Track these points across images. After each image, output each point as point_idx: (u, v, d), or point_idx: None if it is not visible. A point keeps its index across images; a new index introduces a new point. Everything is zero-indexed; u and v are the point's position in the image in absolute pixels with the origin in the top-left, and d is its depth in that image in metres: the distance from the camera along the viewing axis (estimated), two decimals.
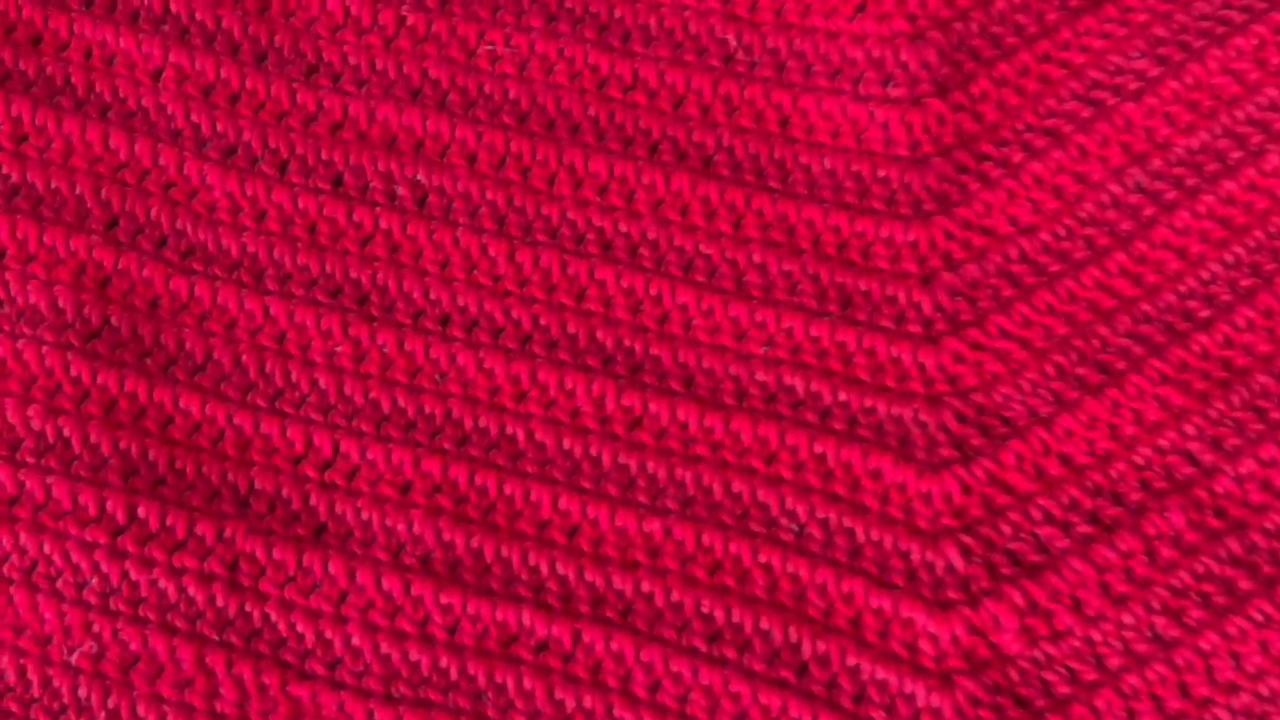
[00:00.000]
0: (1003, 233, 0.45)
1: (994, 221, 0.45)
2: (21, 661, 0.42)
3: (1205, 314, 0.44)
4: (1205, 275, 0.44)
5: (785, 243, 0.45)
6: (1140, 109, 0.46)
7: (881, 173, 0.46)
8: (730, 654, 0.41)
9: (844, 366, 0.44)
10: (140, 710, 0.41)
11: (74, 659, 0.41)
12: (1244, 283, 0.44)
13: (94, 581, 0.42)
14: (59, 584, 0.42)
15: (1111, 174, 0.45)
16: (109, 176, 0.46)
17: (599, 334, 0.45)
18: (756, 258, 0.45)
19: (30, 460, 0.43)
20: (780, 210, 0.46)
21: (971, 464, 0.43)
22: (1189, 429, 0.42)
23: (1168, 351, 0.44)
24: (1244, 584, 0.41)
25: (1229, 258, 0.44)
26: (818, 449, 0.43)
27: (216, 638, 0.42)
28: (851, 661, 0.41)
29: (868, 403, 0.44)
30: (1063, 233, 0.45)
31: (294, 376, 0.44)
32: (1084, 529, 0.42)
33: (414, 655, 0.41)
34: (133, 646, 0.41)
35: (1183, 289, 0.44)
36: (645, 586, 0.42)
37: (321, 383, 0.44)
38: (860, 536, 0.42)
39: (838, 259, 0.45)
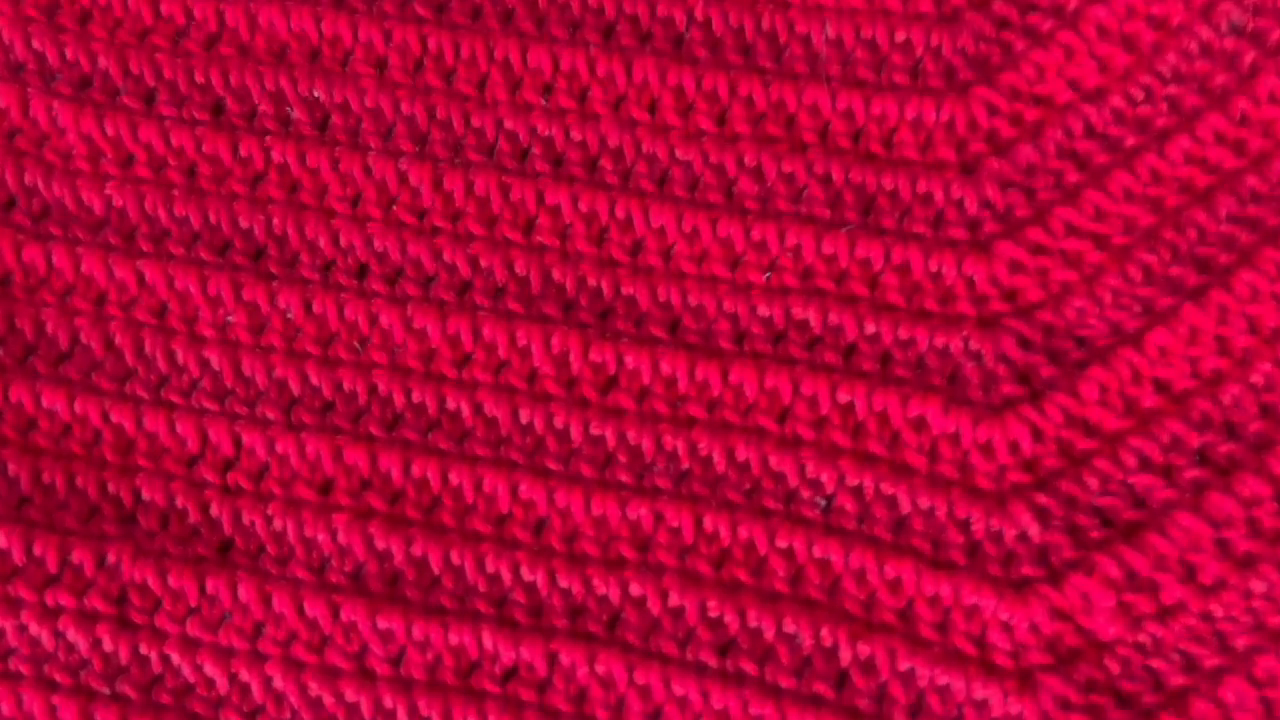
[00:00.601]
0: (1061, 101, 0.35)
1: (1049, 87, 0.35)
2: None
3: None
4: None
5: (784, 137, 0.36)
6: None
7: (901, 36, 0.36)
8: (749, 668, 0.32)
9: (870, 290, 0.35)
10: None
11: None
12: None
13: None
14: None
15: (1197, 14, 0.35)
16: None
17: (555, 273, 0.35)
18: (748, 159, 0.35)
19: None
20: (775, 95, 0.36)
21: (1042, 401, 0.33)
22: None
23: None
24: None
25: None
26: (843, 398, 0.34)
27: (107, 690, 0.33)
28: (904, 665, 0.32)
29: (903, 333, 0.34)
30: (1139, 95, 0.35)
31: (180, 357, 0.36)
32: (1192, 473, 0.33)
33: (350, 695, 0.33)
34: (2, 710, 0.34)
35: None
36: (635, 589, 0.33)
37: (214, 362, 0.35)
38: (905, 505, 0.33)
39: (853, 152, 0.35)
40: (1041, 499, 0.33)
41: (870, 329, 0.34)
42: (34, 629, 0.34)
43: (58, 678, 0.34)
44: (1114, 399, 0.33)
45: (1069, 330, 0.34)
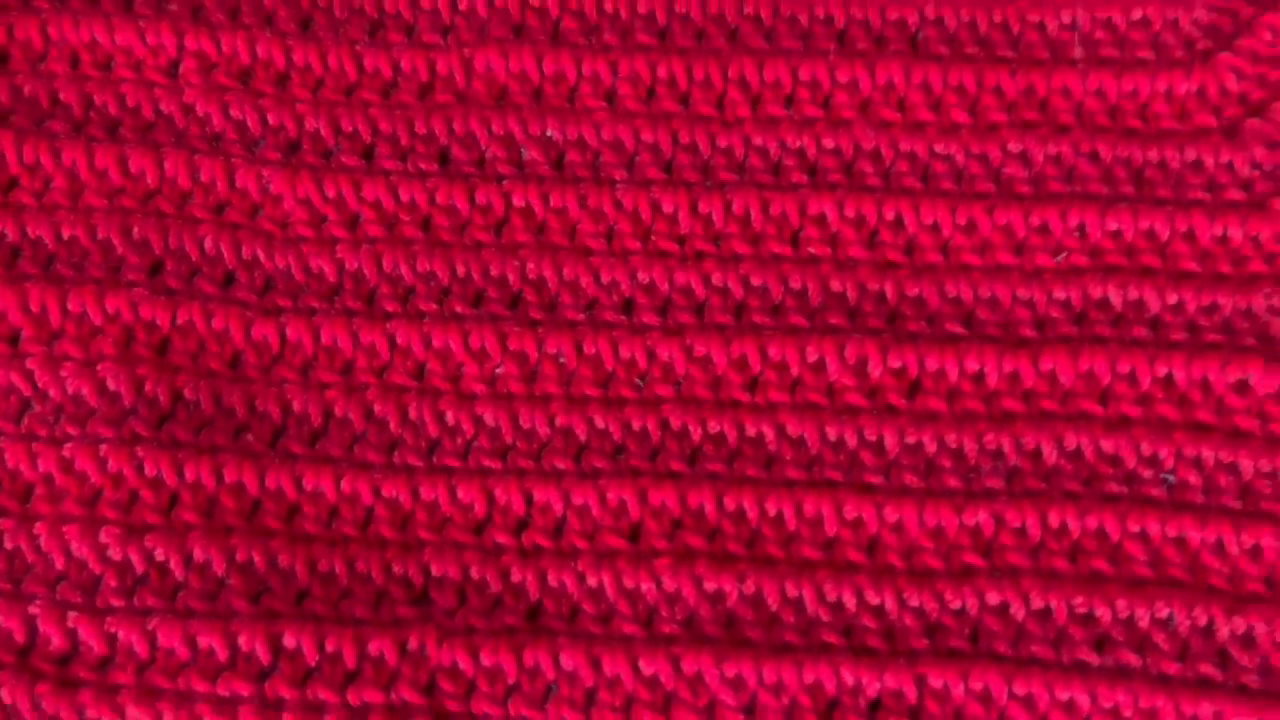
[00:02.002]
0: None
1: None
2: None
3: None
4: None
5: (1041, 121, 0.35)
6: None
7: (1137, 14, 0.36)
8: (1129, 660, 0.31)
9: (1162, 260, 0.34)
10: None
11: None
12: None
13: None
14: None
15: None
16: (138, 210, 0.35)
17: (833, 283, 0.34)
18: (1012, 145, 0.35)
19: (118, 604, 0.31)
20: (1024, 83, 0.35)
21: None
22: None
23: None
24: None
25: None
26: (1160, 371, 0.33)
27: None
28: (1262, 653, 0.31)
29: (1205, 299, 0.34)
30: None
31: (450, 418, 0.33)
32: None
33: None
34: None
35: None
36: (993, 598, 0.31)
37: (489, 418, 0.33)
38: (1247, 470, 0.32)
39: (1114, 129, 0.35)
40: None
41: (1172, 299, 0.33)
42: None
43: None
44: None
45: None
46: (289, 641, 0.31)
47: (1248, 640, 0.31)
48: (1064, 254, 0.34)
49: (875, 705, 0.31)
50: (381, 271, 0.34)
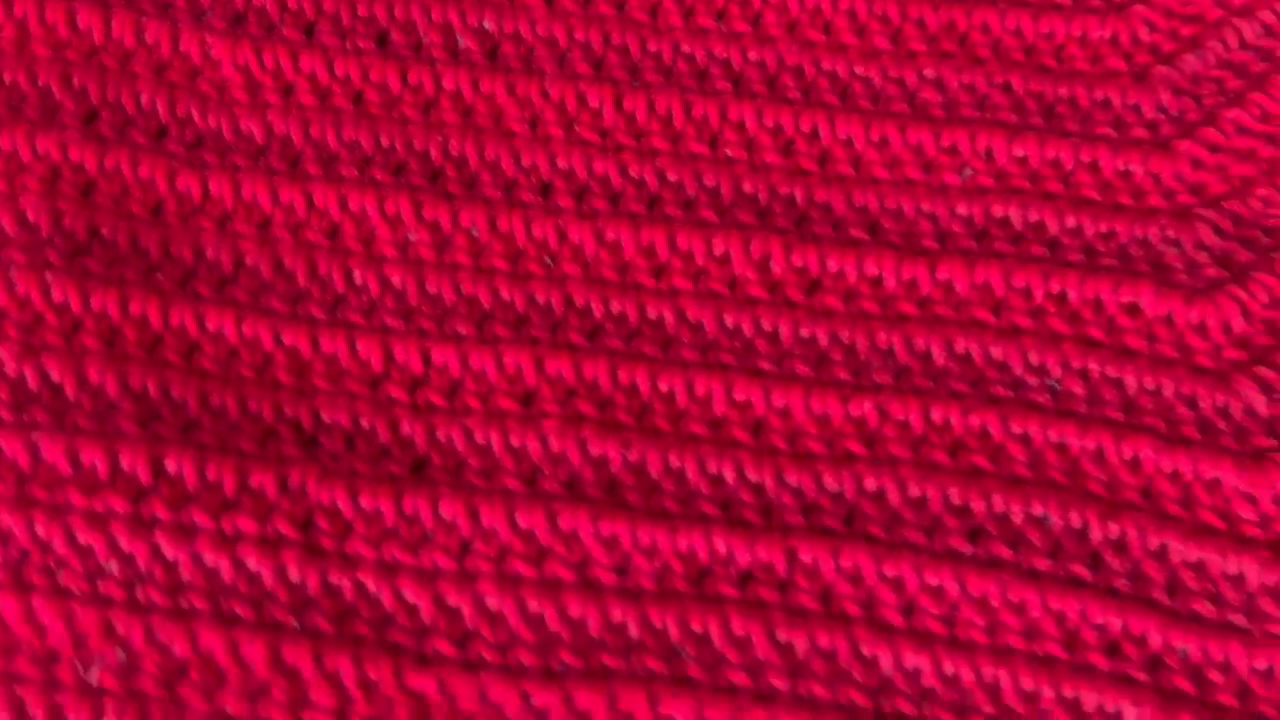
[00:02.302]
0: (1213, 18, 0.37)
1: (1200, 7, 0.37)
2: (17, 694, 0.29)
3: None
4: None
5: (959, 52, 0.37)
6: None
7: None
8: (1002, 553, 0.31)
9: (1065, 187, 0.35)
10: None
11: (93, 678, 0.29)
12: None
13: (113, 567, 0.30)
14: (61, 577, 0.30)
15: None
16: (80, 62, 0.36)
17: (745, 184, 0.35)
18: (929, 72, 0.36)
19: (7, 416, 0.31)
20: (945, 17, 0.37)
21: (1247, 282, 0.34)
22: None
23: None
24: None
25: None
26: (1054, 287, 0.34)
27: (296, 623, 0.30)
28: (1155, 542, 0.31)
29: (1103, 226, 0.35)
30: None
31: (358, 277, 0.34)
32: None
33: (575, 610, 0.30)
34: (176, 650, 0.29)
35: None
36: (870, 483, 0.31)
37: (397, 281, 0.34)
38: (1131, 386, 0.33)
39: (1028, 64, 0.36)
40: (1264, 373, 0.33)
41: (1071, 223, 0.34)
42: (211, 559, 0.30)
43: (239, 611, 0.30)
44: None
45: (1256, 220, 0.35)
46: (170, 465, 0.31)
47: (1120, 546, 0.31)
48: (969, 172, 0.35)
49: (746, 577, 0.31)
50: (308, 137, 0.35)
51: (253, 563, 0.30)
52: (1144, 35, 0.37)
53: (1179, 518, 0.31)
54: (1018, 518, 0.31)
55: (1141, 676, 0.30)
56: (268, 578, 0.30)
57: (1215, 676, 0.30)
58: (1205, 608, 0.31)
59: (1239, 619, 0.31)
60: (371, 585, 0.30)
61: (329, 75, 0.36)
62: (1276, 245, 0.34)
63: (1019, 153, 0.35)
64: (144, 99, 0.36)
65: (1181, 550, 0.31)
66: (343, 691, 0.29)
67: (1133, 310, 0.34)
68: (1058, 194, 0.35)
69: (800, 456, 0.32)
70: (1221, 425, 0.32)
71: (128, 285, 0.33)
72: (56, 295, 0.32)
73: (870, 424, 0.32)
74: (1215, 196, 0.35)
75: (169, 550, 0.30)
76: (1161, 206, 0.35)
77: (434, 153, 0.35)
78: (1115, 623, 0.30)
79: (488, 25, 0.37)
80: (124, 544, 0.30)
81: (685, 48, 0.37)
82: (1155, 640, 0.30)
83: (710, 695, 0.29)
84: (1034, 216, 0.34)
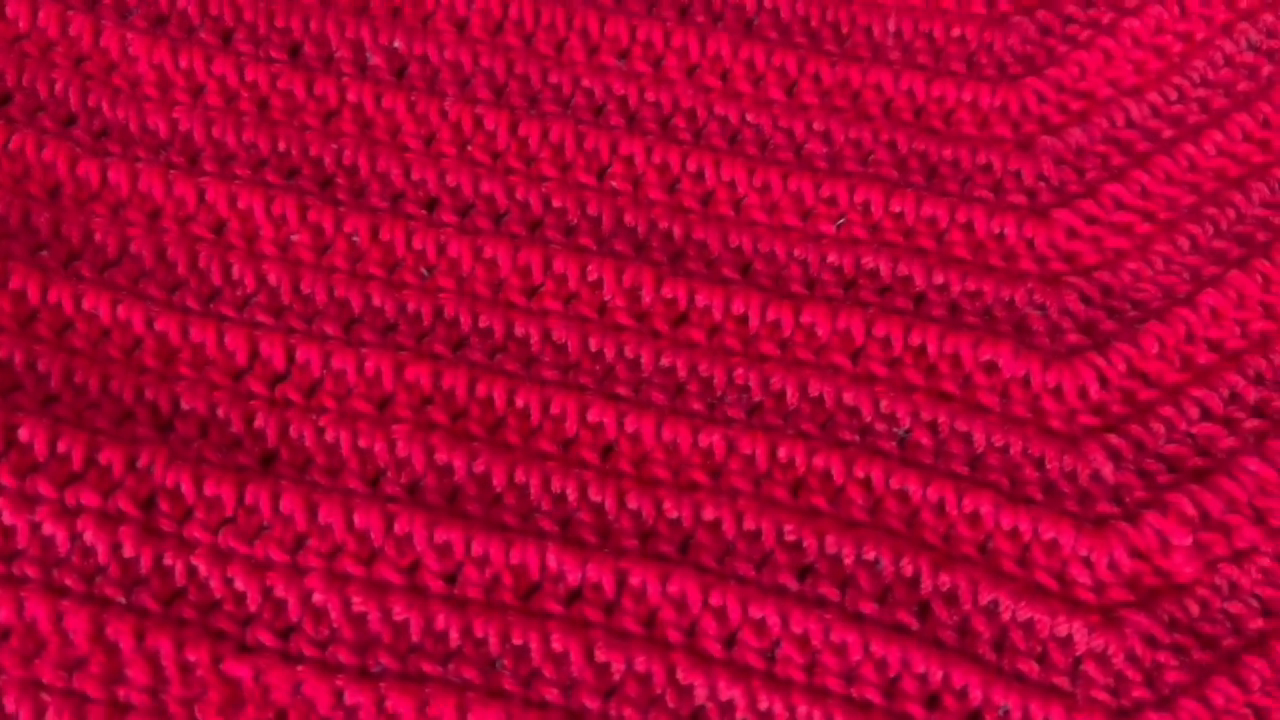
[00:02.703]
0: (1103, 96, 0.38)
1: (1091, 84, 0.38)
2: None
3: None
4: None
5: (850, 108, 0.38)
6: None
7: (956, 32, 0.39)
8: (829, 593, 0.31)
9: (937, 244, 0.36)
10: (8, 704, 0.29)
11: None
12: None
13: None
14: None
15: (1219, 30, 0.39)
16: (1, 48, 0.37)
17: (627, 216, 0.36)
18: (817, 125, 0.37)
19: None
20: (840, 75, 0.38)
21: (1107, 351, 0.34)
22: None
23: None
24: None
25: None
26: (915, 340, 0.34)
27: (123, 599, 0.30)
28: (986, 597, 0.31)
29: (970, 284, 0.35)
30: (1173, 95, 0.38)
31: (236, 272, 0.34)
32: (1252, 424, 0.33)
33: (399, 613, 0.30)
34: (1, 616, 0.30)
35: None
36: (709, 513, 0.32)
37: (272, 278, 0.34)
38: (980, 443, 0.33)
39: (916, 125, 0.37)
40: (1113, 441, 0.33)
41: (939, 279, 0.35)
42: (49, 528, 0.31)
43: (69, 583, 0.30)
44: (1172, 354, 0.34)
45: (1125, 292, 0.35)
46: (23, 434, 0.31)
47: (950, 598, 0.31)
48: (843, 220, 0.36)
49: (575, 595, 0.31)
50: (209, 136, 0.36)
51: (89, 536, 0.31)
52: (1034, 106, 0.38)
53: (1013, 575, 0.31)
54: (849, 559, 0.31)
55: None
56: (102, 552, 0.31)
57: None
58: (1030, 667, 0.31)
59: (1063, 681, 0.30)
60: (203, 569, 0.31)
61: (238, 79, 0.37)
62: (1143, 317, 0.35)
63: (896, 208, 0.36)
64: (58, 87, 0.37)
65: (1012, 608, 0.31)
66: (159, 671, 0.30)
67: (990, 368, 0.34)
68: (929, 250, 0.35)
69: (644, 481, 0.32)
70: (1066, 489, 0.32)
71: (10, 259, 0.34)
72: None
73: (717, 456, 0.33)
74: (1087, 266, 0.35)
75: (8, 516, 0.31)
76: (1032, 271, 0.35)
77: (328, 160, 0.36)
78: (937, 673, 0.30)
79: (398, 45, 0.38)
80: None
81: (585, 82, 0.38)
82: (976, 695, 0.30)
83: (520, 709, 0.29)
84: (903, 270, 0.35)
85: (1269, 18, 0.39)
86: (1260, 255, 0.35)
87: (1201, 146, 0.37)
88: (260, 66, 0.37)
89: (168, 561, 0.31)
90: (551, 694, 0.30)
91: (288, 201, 0.35)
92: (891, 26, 0.38)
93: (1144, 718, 0.29)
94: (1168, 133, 0.37)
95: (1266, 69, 0.38)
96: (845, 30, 0.39)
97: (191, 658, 0.30)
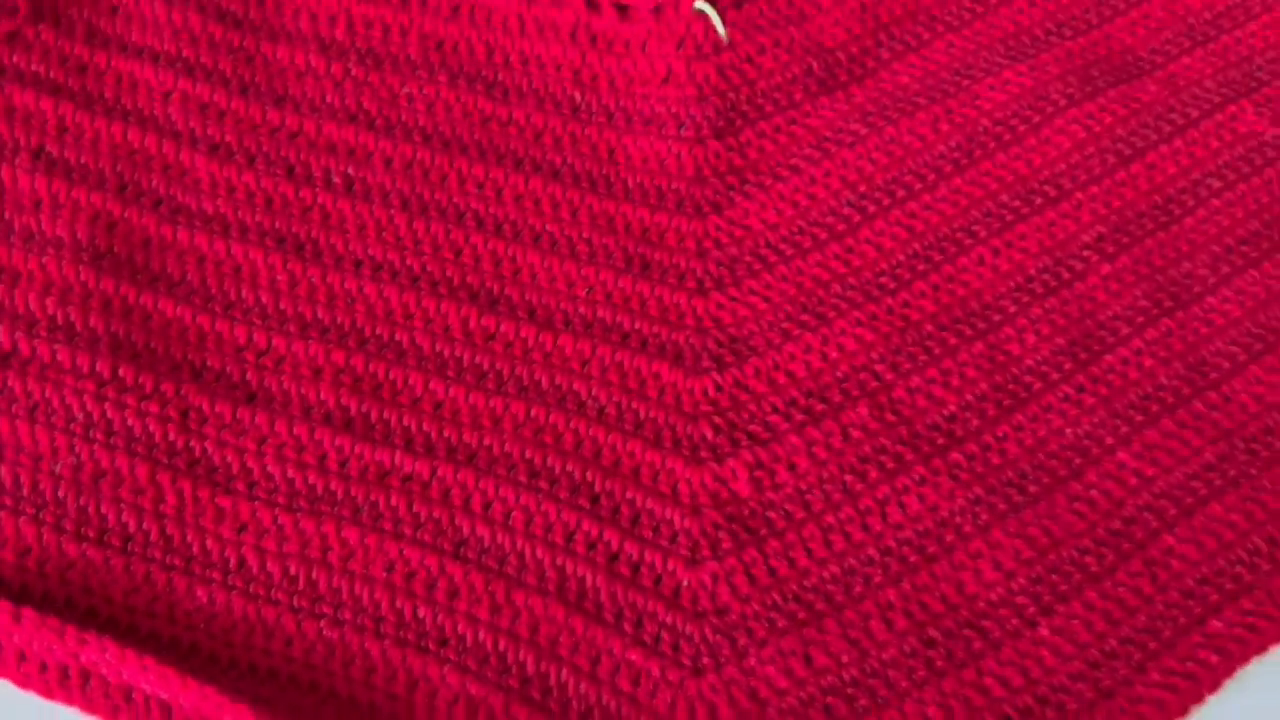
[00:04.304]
0: (756, 228, 0.64)
1: (750, 221, 0.64)
2: (18, 472, 0.56)
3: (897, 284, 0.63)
4: (900, 257, 0.63)
5: (606, 227, 0.64)
6: (853, 154, 0.66)
7: (675, 185, 0.65)
8: (544, 486, 0.56)
9: (641, 307, 0.62)
10: (104, 509, 0.55)
11: (58, 470, 0.56)
12: (920, 267, 0.63)
13: (79, 417, 0.57)
14: (53, 419, 0.57)
15: (831, 195, 0.65)
16: (125, 158, 0.64)
17: (469, 278, 0.62)
18: (584, 232, 0.63)
19: (44, 334, 0.58)
20: (604, 206, 0.64)
21: (723, 373, 0.60)
22: (875, 355, 0.60)
23: (877, 302, 0.62)
24: (909, 455, 0.58)
25: (913, 248, 0.64)
26: (618, 358, 0.60)
27: (166, 461, 0.56)
28: (630, 494, 0.57)
29: (657, 330, 0.61)
30: (797, 229, 0.64)
31: (241, 293, 0.61)
32: (799, 417, 0.59)
33: (312, 479, 0.56)
34: (103, 463, 0.56)
35: (883, 265, 0.63)
36: (488, 440, 0.57)
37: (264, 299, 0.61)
38: (644, 416, 0.59)
39: (641, 238, 0.64)
40: (717, 420, 0.58)
41: (638, 326, 0.61)
42: (130, 422, 0.57)
43: (139, 450, 0.56)
44: (764, 378, 0.60)
45: (746, 340, 0.61)
46: None
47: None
48: (590, 290, 0.62)
49: None
50: None
51: (152, 427, 0.57)
52: (712, 232, 0.64)
53: (648, 485, 0.57)
54: (557, 470, 0.57)
55: None
56: (158, 437, 0.57)
57: None
58: (648, 533, 0.56)
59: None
60: (210, 450, 0.57)
61: (256, 185, 0.64)
62: (750, 354, 0.61)
63: (621, 284, 0.62)
64: (151, 182, 0.64)
65: (643, 501, 0.57)
66: (181, 499, 0.55)
67: (656, 376, 0.60)
68: (636, 310, 0.62)
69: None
70: (685, 443, 0.58)
71: (120, 279, 0.60)
72: (83, 277, 0.60)
73: (497, 412, 0.59)
74: (727, 324, 0.61)
75: (110, 414, 0.57)
76: (692, 325, 0.61)
77: (301, 234, 0.63)
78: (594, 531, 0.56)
79: (350, 171, 0.65)
80: (88, 407, 0.57)
81: (454, 200, 0.64)
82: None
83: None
84: (618, 319, 0.61)
85: (864, 189, 0.65)
86: (828, 323, 0.61)
87: (808, 260, 0.63)
88: (269, 179, 0.64)
89: (192, 444, 0.57)
90: None
91: (259, 255, 0.62)
92: (638, 179, 0.65)
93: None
94: (790, 251, 0.64)
95: (856, 218, 0.65)
96: (613, 180, 0.65)
97: (200, 494, 0.56)
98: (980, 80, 0.68)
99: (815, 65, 0.68)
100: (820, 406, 0.59)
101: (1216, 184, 0.66)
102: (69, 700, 0.52)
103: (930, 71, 0.69)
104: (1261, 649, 0.55)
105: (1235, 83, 0.69)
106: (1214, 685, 0.54)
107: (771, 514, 0.57)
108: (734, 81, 0.68)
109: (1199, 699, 0.54)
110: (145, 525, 0.55)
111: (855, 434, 0.59)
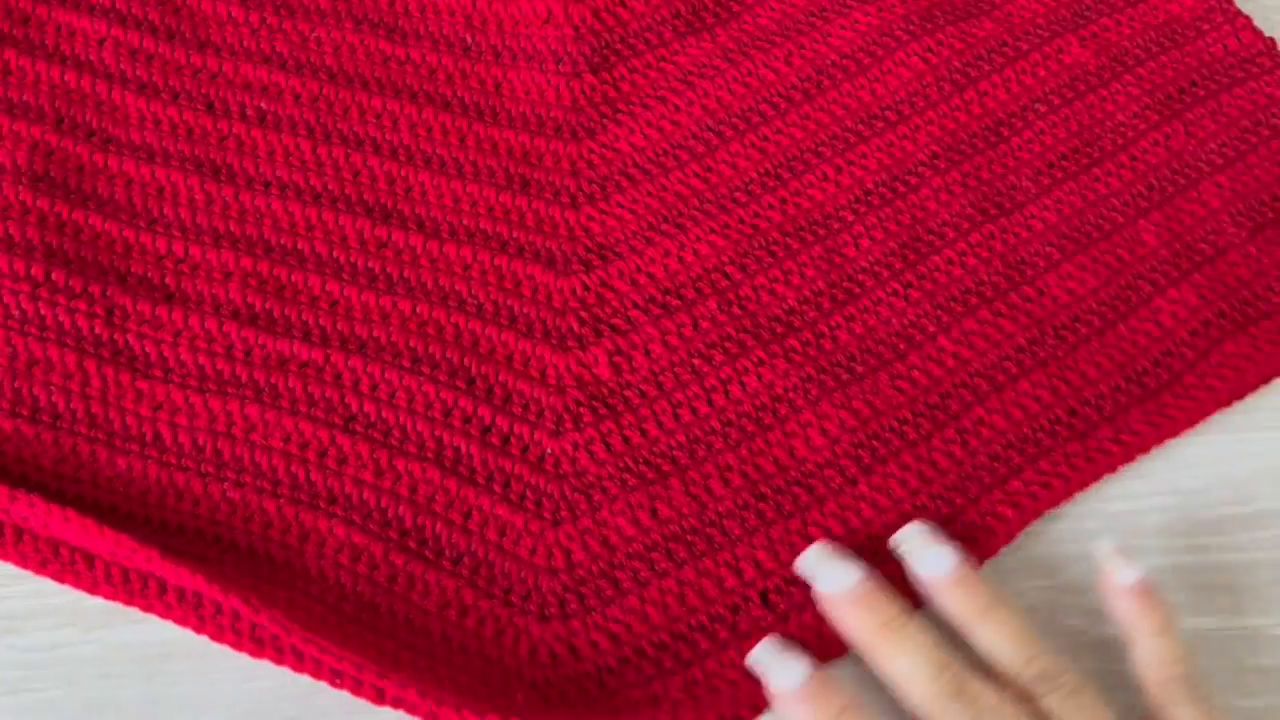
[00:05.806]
0: (625, 150, 0.72)
1: (620, 145, 0.72)
2: None
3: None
4: (752, 174, 0.71)
5: (490, 150, 0.71)
6: (713, 85, 0.74)
7: (553, 114, 0.73)
8: (425, 370, 0.64)
9: (519, 219, 0.69)
10: (36, 391, 0.62)
11: None
12: (770, 183, 0.71)
13: (16, 314, 0.64)
14: None
15: (694, 121, 0.73)
16: (62, 96, 0.72)
17: (365, 195, 0.70)
18: (471, 155, 0.71)
19: None
20: (489, 133, 0.72)
21: (590, 274, 0.67)
22: (725, 259, 0.68)
23: (730, 214, 0.69)
24: (750, 341, 0.65)
25: (765, 167, 0.71)
26: (497, 262, 0.68)
27: (93, 351, 0.63)
28: (504, 377, 0.64)
29: (533, 239, 0.69)
30: (662, 151, 0.72)
31: (163, 210, 0.68)
32: (656, 311, 0.66)
33: (220, 365, 0.63)
34: (36, 353, 0.63)
35: (736, 182, 0.71)
36: (376, 332, 0.65)
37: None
38: (518, 311, 0.66)
39: (521, 160, 0.71)
40: (584, 314, 0.66)
41: (516, 235, 0.69)
42: (61, 318, 0.64)
43: (68, 342, 0.64)
44: (627, 279, 0.67)
45: (614, 245, 0.69)
46: None
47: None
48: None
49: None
50: None
51: (80, 322, 0.64)
52: (585, 154, 0.72)
53: (519, 369, 0.64)
54: (439, 356, 0.64)
55: None
56: (85, 330, 0.64)
57: None
58: (518, 410, 0.63)
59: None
60: (132, 342, 0.64)
61: (192, 120, 0.71)
62: (615, 258, 0.68)
63: (502, 200, 0.70)
64: (85, 116, 0.71)
65: (515, 383, 0.64)
66: (105, 382, 0.63)
67: (531, 279, 0.67)
68: (515, 221, 0.69)
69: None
70: (553, 331, 0.65)
71: (56, 199, 0.68)
72: (22, 197, 0.67)
73: (404, 310, 0.66)
74: (601, 246, 0.69)
75: (44, 311, 0.64)
76: (565, 237, 0.69)
77: (229, 161, 0.70)
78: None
79: (263, 105, 0.72)
80: (24, 304, 0.64)
81: (357, 129, 0.72)
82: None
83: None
84: (498, 229, 0.69)
85: (722, 115, 0.72)
86: (683, 230, 0.69)
87: (670, 178, 0.71)
88: (190, 112, 0.72)
89: (115, 337, 0.64)
90: None
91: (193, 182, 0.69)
92: (522, 109, 0.73)
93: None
94: (655, 170, 0.71)
95: (715, 141, 0.72)
96: (498, 110, 0.73)
97: (122, 379, 0.63)
98: (832, 21, 0.76)
99: (682, 8, 0.76)
100: (675, 302, 0.67)
101: (1042, 108, 0.74)
102: (4, 555, 0.60)
103: (787, 14, 0.76)
104: (1053, 504, 0.62)
105: (1064, 20, 0.77)
106: (1009, 537, 0.61)
107: (628, 394, 0.64)
108: (608, 23, 0.75)
109: (994, 551, 0.61)
110: (73, 405, 0.63)
111: (704, 325, 0.66)
